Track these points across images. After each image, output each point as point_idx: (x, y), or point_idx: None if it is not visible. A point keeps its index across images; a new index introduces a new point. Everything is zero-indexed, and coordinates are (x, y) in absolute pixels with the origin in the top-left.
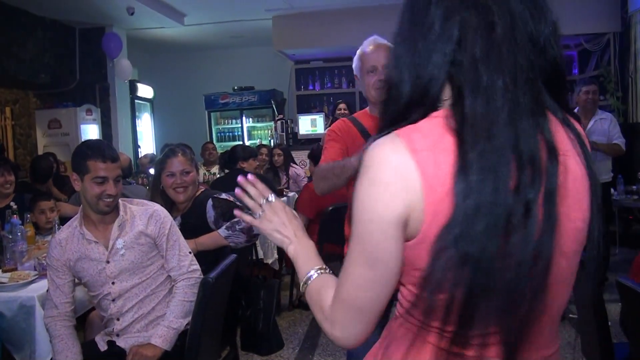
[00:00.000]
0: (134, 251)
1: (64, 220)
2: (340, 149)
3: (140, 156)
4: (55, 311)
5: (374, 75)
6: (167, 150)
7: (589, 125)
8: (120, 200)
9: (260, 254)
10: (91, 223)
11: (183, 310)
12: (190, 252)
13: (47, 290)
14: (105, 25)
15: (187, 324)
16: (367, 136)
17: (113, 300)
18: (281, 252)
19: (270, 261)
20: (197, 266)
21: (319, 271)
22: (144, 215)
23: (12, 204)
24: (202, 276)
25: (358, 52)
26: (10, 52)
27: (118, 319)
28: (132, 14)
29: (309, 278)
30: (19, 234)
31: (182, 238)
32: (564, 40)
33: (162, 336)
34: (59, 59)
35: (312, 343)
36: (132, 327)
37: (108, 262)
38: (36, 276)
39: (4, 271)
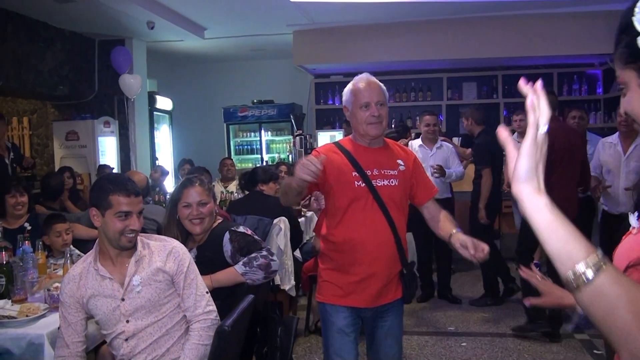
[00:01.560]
0: (151, 288)
1: (76, 242)
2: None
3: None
4: (66, 350)
5: (367, 111)
6: (184, 180)
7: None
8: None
9: (277, 280)
10: (107, 258)
11: (197, 355)
12: (207, 292)
13: (59, 328)
14: (125, 37)
15: None
16: (351, 159)
17: (126, 339)
18: (297, 277)
19: (287, 287)
20: (214, 307)
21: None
22: (162, 252)
23: (26, 224)
24: (217, 318)
25: (350, 86)
26: (29, 64)
27: None
28: (152, 28)
29: (594, 267)
30: (30, 262)
31: (199, 276)
32: (589, 59)
33: None
34: (77, 71)
35: None
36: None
37: (123, 299)
38: (46, 310)
39: (14, 302)
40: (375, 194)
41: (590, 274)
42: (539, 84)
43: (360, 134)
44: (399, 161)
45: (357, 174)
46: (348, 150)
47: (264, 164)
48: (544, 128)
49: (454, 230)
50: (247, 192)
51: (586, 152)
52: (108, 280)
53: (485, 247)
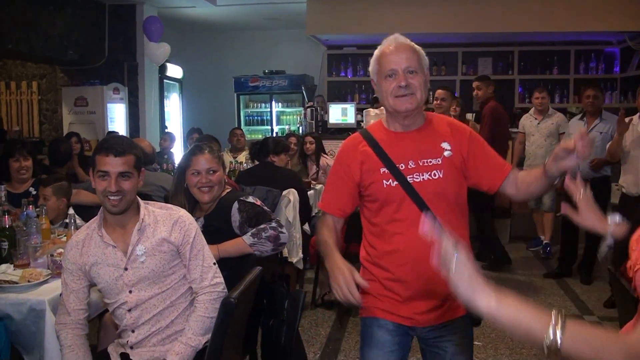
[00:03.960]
0: (155, 259)
1: (79, 208)
2: (347, 191)
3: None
4: (67, 318)
5: (392, 81)
6: (193, 147)
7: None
8: (142, 202)
9: (285, 252)
10: (110, 225)
11: (203, 327)
12: (214, 263)
13: (61, 294)
14: (137, 2)
15: (205, 342)
16: (382, 155)
17: (129, 310)
18: (305, 250)
19: (295, 260)
20: (221, 279)
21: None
22: (168, 221)
23: (31, 189)
24: (225, 290)
25: (376, 53)
26: (39, 27)
27: (133, 331)
28: None
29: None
30: (33, 227)
31: (206, 247)
32: (606, 36)
33: (178, 353)
34: (87, 36)
35: (335, 347)
36: (147, 340)
37: (126, 269)
38: (49, 276)
39: (16, 267)
40: (412, 193)
41: (558, 337)
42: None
43: (389, 113)
44: (444, 144)
45: (386, 171)
46: (376, 140)
47: (274, 135)
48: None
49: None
50: (256, 163)
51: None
52: (111, 248)
53: (582, 134)
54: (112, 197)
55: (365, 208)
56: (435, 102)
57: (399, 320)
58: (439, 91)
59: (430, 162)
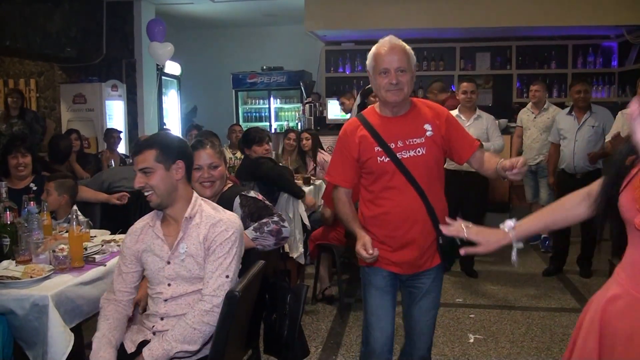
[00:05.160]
0: (193, 260)
1: (79, 205)
2: (350, 165)
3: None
4: (111, 295)
5: (385, 77)
6: (194, 142)
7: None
8: (197, 200)
9: (286, 247)
10: (165, 218)
11: (183, 335)
12: (227, 277)
13: (114, 272)
14: None
15: (184, 351)
16: (374, 133)
17: (165, 300)
18: (306, 245)
19: (295, 255)
20: (224, 294)
21: None
22: (209, 221)
23: (31, 185)
24: (220, 305)
25: (373, 50)
26: (36, 24)
27: (162, 319)
28: None
29: None
30: (35, 222)
31: (234, 262)
32: (604, 30)
33: (151, 349)
34: (85, 33)
35: (336, 342)
36: (170, 332)
37: (169, 262)
38: (51, 271)
39: (18, 263)
40: (401, 167)
41: None
42: None
43: (382, 102)
44: (426, 126)
45: (379, 149)
46: (371, 123)
47: (273, 131)
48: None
49: (499, 161)
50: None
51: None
52: (160, 241)
53: (520, 159)
54: (145, 194)
55: (364, 178)
56: (463, 95)
57: (390, 268)
58: (465, 84)
59: (415, 141)
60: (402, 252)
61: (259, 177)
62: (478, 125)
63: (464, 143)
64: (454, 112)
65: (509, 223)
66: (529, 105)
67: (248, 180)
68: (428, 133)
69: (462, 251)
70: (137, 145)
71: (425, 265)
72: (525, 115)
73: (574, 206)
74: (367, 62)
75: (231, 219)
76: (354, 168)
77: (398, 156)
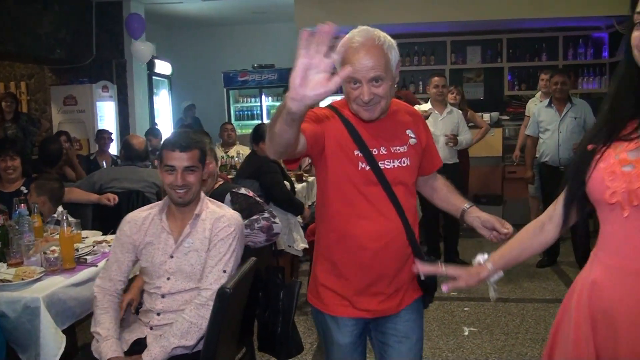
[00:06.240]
0: (196, 255)
1: (71, 206)
2: (314, 127)
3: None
4: (107, 284)
5: (356, 89)
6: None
7: None
8: (204, 198)
9: (280, 245)
10: (171, 213)
11: (180, 329)
12: (225, 272)
13: (107, 259)
14: None
15: (181, 346)
16: (353, 133)
17: (162, 295)
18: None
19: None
20: (217, 287)
21: None
22: (212, 218)
23: (22, 188)
24: (212, 299)
25: (342, 43)
26: (26, 26)
27: (159, 314)
28: None
29: None
30: (26, 225)
31: (233, 258)
32: (594, 21)
33: (150, 351)
34: (75, 34)
35: None
36: (166, 327)
37: (172, 256)
38: (42, 273)
39: (10, 266)
40: (382, 180)
41: None
42: None
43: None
44: (409, 131)
45: (359, 154)
46: (349, 120)
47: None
48: None
49: (466, 206)
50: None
51: None
52: (166, 234)
53: (510, 227)
54: (178, 190)
55: (325, 188)
56: (435, 90)
57: (361, 314)
58: (436, 78)
59: (399, 149)
60: (374, 288)
61: (256, 177)
62: (450, 119)
63: (432, 157)
64: (427, 106)
65: (480, 257)
66: (538, 95)
67: (248, 177)
68: (411, 141)
69: (444, 287)
70: (187, 142)
71: (403, 302)
72: (533, 105)
73: (537, 235)
74: (335, 56)
75: (234, 215)
76: (316, 134)
77: (380, 166)
